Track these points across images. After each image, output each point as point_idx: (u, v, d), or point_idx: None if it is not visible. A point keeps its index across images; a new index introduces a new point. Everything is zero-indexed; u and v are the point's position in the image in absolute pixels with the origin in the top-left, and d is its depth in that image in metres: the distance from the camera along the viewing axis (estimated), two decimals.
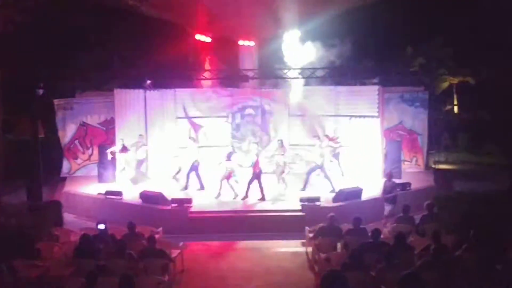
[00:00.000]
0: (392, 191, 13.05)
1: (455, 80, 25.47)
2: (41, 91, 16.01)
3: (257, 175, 14.76)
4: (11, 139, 18.81)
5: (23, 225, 11.28)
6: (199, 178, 15.84)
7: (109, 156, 16.51)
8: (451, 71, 25.21)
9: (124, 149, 16.21)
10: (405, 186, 15.09)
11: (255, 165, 14.78)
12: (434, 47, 24.84)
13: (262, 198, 14.71)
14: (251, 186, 14.81)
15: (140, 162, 16.79)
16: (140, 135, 16.94)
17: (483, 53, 22.81)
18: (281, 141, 16.27)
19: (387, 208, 12.93)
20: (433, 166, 18.86)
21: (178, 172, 16.25)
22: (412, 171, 17.69)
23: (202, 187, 15.78)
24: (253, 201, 14.64)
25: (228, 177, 14.82)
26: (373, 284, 8.20)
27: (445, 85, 25.48)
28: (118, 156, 16.36)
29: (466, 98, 25.23)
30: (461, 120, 24.80)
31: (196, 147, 16.20)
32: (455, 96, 26.26)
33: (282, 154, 15.45)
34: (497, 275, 8.08)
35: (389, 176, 13.41)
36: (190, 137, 16.95)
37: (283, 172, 15.41)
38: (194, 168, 15.79)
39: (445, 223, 11.26)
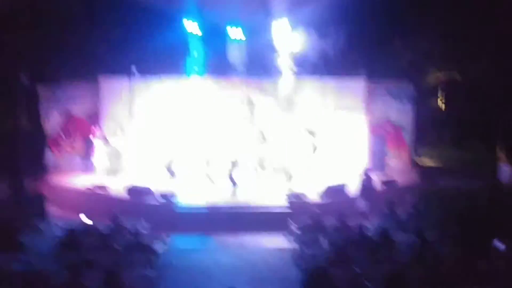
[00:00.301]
0: (370, 188, 13.02)
1: (442, 76, 25.59)
2: (25, 79, 15.76)
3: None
4: None
5: (7, 218, 11.14)
6: None
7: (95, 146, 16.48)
8: (438, 66, 25.30)
9: (104, 139, 16.06)
10: (389, 182, 15.17)
11: None
12: (422, 42, 24.89)
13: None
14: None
15: (117, 153, 16.51)
16: (117, 124, 16.65)
17: (470, 49, 22.94)
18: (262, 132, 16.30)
19: (363, 204, 12.92)
20: (418, 162, 18.97)
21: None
22: (397, 166, 17.77)
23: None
24: (240, 196, 14.62)
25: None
26: (358, 280, 8.26)
27: (432, 80, 25.58)
28: (99, 146, 16.24)
29: (452, 94, 25.38)
30: (447, 116, 24.95)
31: None
32: (441, 92, 26.39)
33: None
34: (481, 271, 8.19)
35: (367, 172, 13.39)
36: None
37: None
38: None
39: (429, 219, 11.36)
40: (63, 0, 19.64)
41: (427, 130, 21.95)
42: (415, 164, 18.55)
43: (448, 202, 12.56)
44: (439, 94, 26.29)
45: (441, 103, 26.27)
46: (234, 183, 14.75)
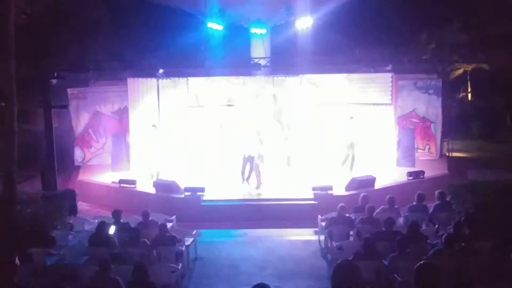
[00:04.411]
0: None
1: (469, 67, 25.20)
2: (54, 81, 16.07)
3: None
4: (25, 128, 18.94)
5: (38, 214, 11.39)
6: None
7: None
8: (465, 58, 24.93)
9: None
10: (418, 174, 15.03)
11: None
12: (448, 33, 24.56)
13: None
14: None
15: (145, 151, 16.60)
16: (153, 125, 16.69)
17: (499, 39, 22.52)
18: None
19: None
20: (447, 154, 18.74)
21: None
22: (425, 159, 17.60)
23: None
24: (266, 189, 14.65)
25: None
26: (386, 273, 8.19)
27: (459, 72, 25.21)
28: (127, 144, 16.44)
29: (481, 85, 24.97)
30: (475, 107, 24.56)
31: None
32: (469, 83, 25.98)
33: None
34: (510, 264, 8.04)
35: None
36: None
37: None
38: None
39: (458, 211, 11.21)
40: (90, 5, 20.02)
41: (455, 123, 21.64)
42: (444, 157, 18.31)
43: (478, 194, 12.34)
44: (468, 86, 25.93)
45: (469, 95, 25.90)
46: (259, 183, 14.75)
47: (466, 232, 9.33)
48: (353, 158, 16.17)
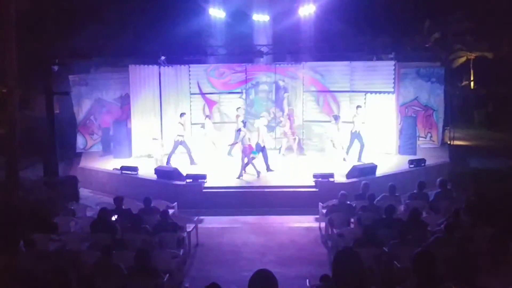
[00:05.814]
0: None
1: (472, 55, 25.11)
2: (56, 67, 16.05)
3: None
4: (27, 115, 18.96)
5: (40, 200, 11.44)
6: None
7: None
8: (468, 46, 24.85)
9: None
10: (419, 162, 15.02)
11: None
12: (451, 21, 24.47)
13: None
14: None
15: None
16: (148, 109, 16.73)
17: (502, 27, 22.42)
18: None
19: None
20: (448, 142, 18.74)
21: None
22: (427, 147, 17.62)
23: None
24: (267, 177, 14.67)
25: (248, 153, 14.67)
26: (386, 260, 8.22)
27: (462, 60, 25.14)
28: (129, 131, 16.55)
29: (483, 74, 24.91)
30: (478, 95, 24.52)
31: (211, 124, 16.23)
32: (472, 72, 25.91)
33: None
34: (510, 253, 8.06)
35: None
36: (206, 115, 17.12)
37: None
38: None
39: (459, 199, 11.23)
40: None
41: (457, 111, 21.63)
42: (445, 145, 18.31)
43: (479, 182, 12.38)
44: (470, 74, 25.85)
45: (472, 83, 25.83)
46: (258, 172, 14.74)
47: (466, 219, 9.35)
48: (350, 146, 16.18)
